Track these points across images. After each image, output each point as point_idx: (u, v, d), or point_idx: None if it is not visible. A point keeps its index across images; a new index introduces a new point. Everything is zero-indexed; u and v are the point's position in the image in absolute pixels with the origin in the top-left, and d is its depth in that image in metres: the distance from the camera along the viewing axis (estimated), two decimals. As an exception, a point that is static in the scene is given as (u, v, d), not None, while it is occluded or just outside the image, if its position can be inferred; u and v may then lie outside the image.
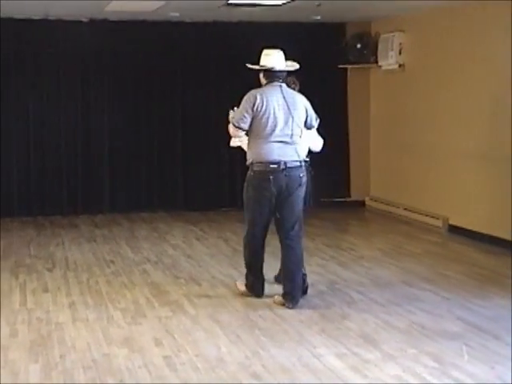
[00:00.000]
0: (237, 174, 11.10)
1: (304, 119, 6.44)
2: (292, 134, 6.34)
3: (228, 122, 6.50)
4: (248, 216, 6.53)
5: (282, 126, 6.29)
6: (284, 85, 6.42)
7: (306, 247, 8.81)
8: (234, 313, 6.27)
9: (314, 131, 6.76)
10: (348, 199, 12.09)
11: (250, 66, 6.49)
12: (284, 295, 6.44)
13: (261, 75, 6.47)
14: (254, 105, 6.25)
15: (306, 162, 6.60)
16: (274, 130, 6.27)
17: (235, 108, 6.47)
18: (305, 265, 6.75)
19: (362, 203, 12.03)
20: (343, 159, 11.98)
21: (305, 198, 6.54)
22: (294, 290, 6.43)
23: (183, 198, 11.60)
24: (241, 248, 6.92)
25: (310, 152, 6.79)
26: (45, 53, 10.93)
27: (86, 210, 11.22)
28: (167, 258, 8.37)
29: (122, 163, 11.42)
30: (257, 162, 6.32)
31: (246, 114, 6.28)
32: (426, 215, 10.30)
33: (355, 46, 11.46)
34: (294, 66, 6.55)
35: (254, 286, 6.66)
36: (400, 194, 11.16)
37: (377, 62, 11.36)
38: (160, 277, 7.48)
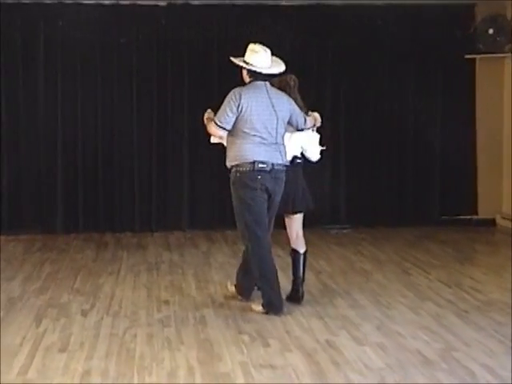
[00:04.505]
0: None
1: (288, 119, 6.16)
2: (277, 135, 6.08)
3: (204, 124, 6.23)
4: (245, 221, 6.05)
5: (266, 125, 6.03)
6: (268, 83, 6.14)
7: (418, 284, 7.09)
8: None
9: (314, 137, 6.41)
10: (474, 217, 10.38)
11: (234, 60, 6.10)
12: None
13: (244, 72, 6.17)
14: (238, 104, 5.98)
15: (298, 163, 6.37)
16: (258, 130, 6.01)
17: (209, 110, 6.24)
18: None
19: (492, 222, 10.32)
20: (469, 169, 10.36)
21: (303, 201, 6.37)
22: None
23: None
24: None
25: (302, 155, 6.43)
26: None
27: (162, 226, 9.71)
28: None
29: (204, 173, 9.90)
30: (243, 163, 6.02)
31: (229, 114, 6.01)
32: None
33: (486, 31, 10.03)
34: (279, 65, 6.14)
35: (274, 301, 6.08)
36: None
37: (513, 51, 9.78)
38: (220, 330, 5.72)
